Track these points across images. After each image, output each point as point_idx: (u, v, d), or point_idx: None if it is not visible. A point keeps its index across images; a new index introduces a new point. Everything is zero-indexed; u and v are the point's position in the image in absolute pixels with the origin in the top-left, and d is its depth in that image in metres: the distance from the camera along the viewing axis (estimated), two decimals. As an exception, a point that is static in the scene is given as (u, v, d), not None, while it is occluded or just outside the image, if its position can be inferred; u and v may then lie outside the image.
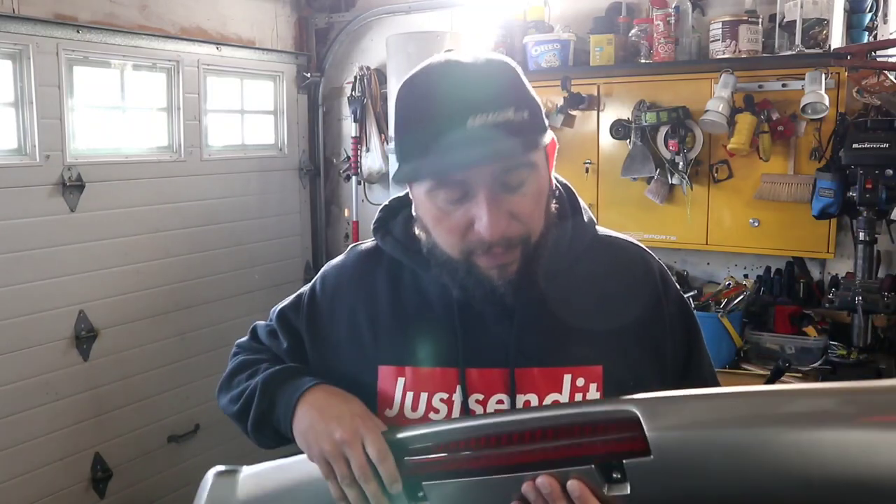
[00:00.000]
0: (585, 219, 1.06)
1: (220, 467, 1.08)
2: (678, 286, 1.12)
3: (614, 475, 0.79)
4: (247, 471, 1.06)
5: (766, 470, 0.72)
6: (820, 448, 0.71)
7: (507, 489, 0.82)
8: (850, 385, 0.77)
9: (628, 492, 0.78)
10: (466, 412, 0.98)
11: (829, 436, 0.71)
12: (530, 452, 0.82)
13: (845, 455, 0.70)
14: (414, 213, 1.02)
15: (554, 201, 1.01)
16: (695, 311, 1.13)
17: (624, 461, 0.78)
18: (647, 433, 0.76)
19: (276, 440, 1.04)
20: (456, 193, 0.91)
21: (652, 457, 0.76)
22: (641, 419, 0.77)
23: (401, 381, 1.00)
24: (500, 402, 0.97)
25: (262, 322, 1.19)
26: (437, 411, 0.98)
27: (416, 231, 1.01)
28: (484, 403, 0.98)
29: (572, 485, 0.79)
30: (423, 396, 0.99)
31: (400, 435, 0.90)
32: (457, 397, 0.98)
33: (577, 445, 0.80)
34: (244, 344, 1.19)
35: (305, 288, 1.15)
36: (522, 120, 0.90)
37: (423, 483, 0.87)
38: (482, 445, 0.84)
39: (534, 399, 0.96)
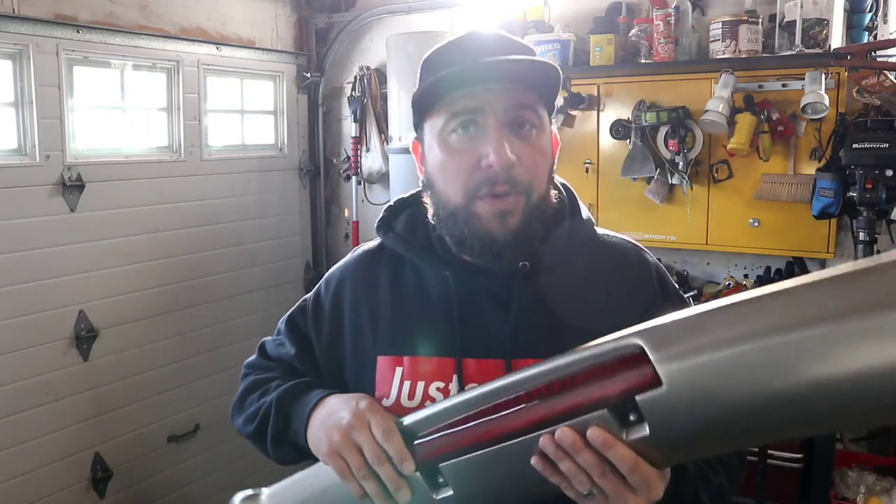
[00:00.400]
0: (584, 216, 1.09)
1: (245, 492, 1.09)
2: (676, 285, 1.14)
3: (631, 417, 0.74)
4: (268, 491, 1.07)
5: (790, 379, 0.65)
6: (837, 343, 0.63)
7: (525, 452, 0.79)
8: (861, 266, 0.67)
9: (647, 432, 0.73)
10: None
11: (851, 328, 0.63)
12: (540, 409, 0.78)
13: (878, 346, 0.61)
14: (421, 181, 1.05)
15: (554, 194, 1.03)
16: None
17: (637, 397, 0.72)
18: (654, 363, 0.71)
19: (297, 455, 1.05)
20: (467, 123, 0.95)
21: (664, 387, 0.70)
22: (646, 349, 0.72)
23: (398, 370, 1.02)
24: None
25: (269, 338, 1.21)
26: (433, 400, 1.00)
27: (424, 198, 1.04)
28: None
29: (593, 433, 0.74)
30: (420, 385, 1.01)
31: (410, 420, 0.89)
32: (453, 387, 1.00)
33: (585, 391, 0.76)
34: (254, 363, 1.21)
35: (310, 293, 1.18)
36: (535, 75, 0.97)
37: (441, 466, 0.85)
38: (489, 414, 0.82)
39: None
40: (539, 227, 0.99)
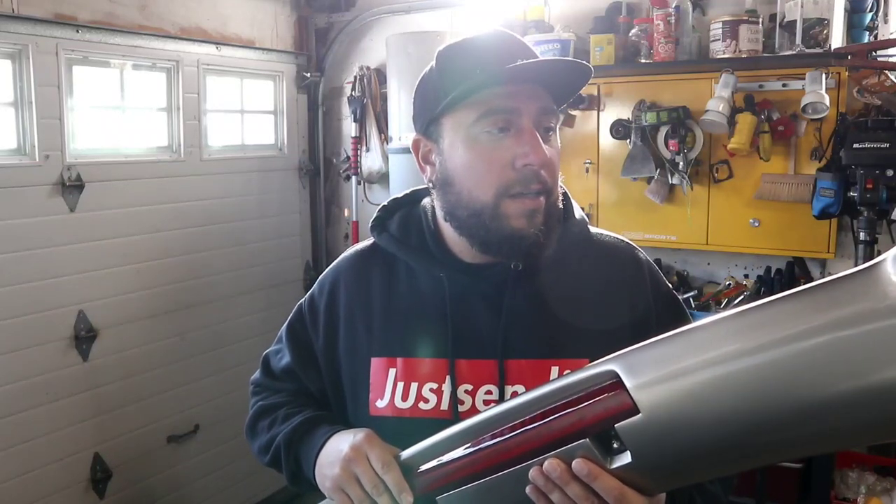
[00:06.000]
0: (577, 216, 1.09)
1: None
2: (669, 284, 1.14)
3: (614, 445, 0.74)
4: None
5: (768, 401, 0.65)
6: (819, 359, 0.63)
7: (517, 482, 0.79)
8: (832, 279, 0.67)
9: (630, 460, 0.73)
10: (455, 402, 0.99)
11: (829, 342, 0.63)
12: (524, 441, 0.79)
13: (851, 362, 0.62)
14: (428, 180, 1.04)
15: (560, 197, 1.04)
16: (692, 311, 1.14)
17: (616, 426, 0.72)
18: (630, 390, 0.71)
19: (315, 489, 1.06)
20: (501, 122, 0.95)
21: (641, 414, 0.70)
22: (621, 376, 0.72)
23: (392, 371, 1.03)
24: (488, 392, 0.99)
25: (271, 348, 1.22)
26: (426, 401, 1.00)
27: (433, 201, 1.04)
28: (473, 394, 1.00)
29: (578, 465, 0.75)
30: (413, 386, 1.01)
31: (407, 453, 0.90)
32: (446, 388, 1.00)
33: (566, 422, 0.76)
34: (259, 381, 1.21)
35: (305, 297, 1.18)
36: (561, 79, 0.99)
37: (438, 498, 0.86)
38: (478, 447, 0.83)
39: (521, 390, 0.98)
40: (557, 226, 1.00)
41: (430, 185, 1.04)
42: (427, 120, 1.01)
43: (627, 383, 0.72)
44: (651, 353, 0.73)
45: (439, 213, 1.03)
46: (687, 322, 1.08)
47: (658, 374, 0.71)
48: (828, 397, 0.63)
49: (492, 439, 0.81)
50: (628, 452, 0.73)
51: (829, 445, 0.68)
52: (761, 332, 0.67)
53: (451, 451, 0.85)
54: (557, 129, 1.02)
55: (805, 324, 0.65)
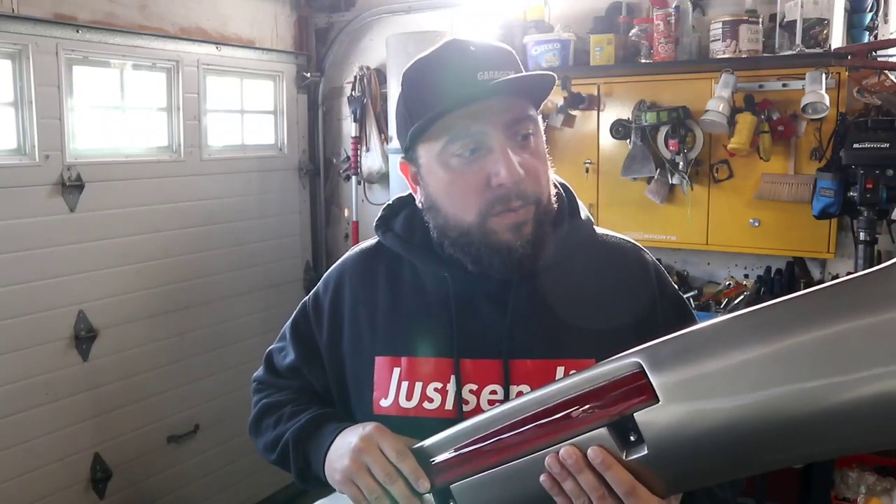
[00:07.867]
0: (583, 216, 1.09)
1: None
2: (674, 284, 1.14)
3: (631, 438, 0.75)
4: None
5: (791, 399, 0.65)
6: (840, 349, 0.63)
7: (531, 471, 0.80)
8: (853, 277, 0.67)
9: (646, 452, 0.74)
10: (460, 402, 0.99)
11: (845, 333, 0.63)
12: (543, 429, 0.79)
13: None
14: (419, 202, 1.04)
15: (554, 193, 1.04)
16: (694, 311, 1.14)
17: (635, 415, 0.73)
18: (652, 381, 0.72)
19: (324, 485, 1.06)
20: (470, 145, 0.94)
21: (661, 404, 0.71)
22: (645, 367, 0.73)
23: (396, 370, 1.02)
24: (493, 392, 0.99)
25: (274, 346, 1.21)
26: (431, 400, 1.00)
27: (425, 217, 1.04)
28: (477, 394, 0.99)
29: (593, 452, 0.76)
30: (418, 386, 1.01)
31: (419, 445, 0.90)
32: (451, 387, 1.00)
33: (587, 410, 0.77)
34: (262, 378, 1.20)
35: (309, 295, 1.18)
36: (530, 85, 0.97)
37: (452, 487, 0.86)
38: (497, 435, 0.83)
39: (527, 390, 0.98)
40: (550, 230, 0.99)
41: (421, 205, 1.04)
42: (404, 147, 1.02)
43: (650, 373, 0.73)
44: (676, 346, 0.74)
45: (434, 234, 1.03)
46: (693, 324, 1.08)
47: (682, 366, 0.72)
48: (857, 399, 0.63)
49: (511, 429, 0.82)
50: (645, 445, 0.74)
51: (857, 447, 0.68)
52: (787, 331, 0.67)
53: (467, 442, 0.85)
54: (540, 131, 1.00)
55: (835, 324, 0.65)
